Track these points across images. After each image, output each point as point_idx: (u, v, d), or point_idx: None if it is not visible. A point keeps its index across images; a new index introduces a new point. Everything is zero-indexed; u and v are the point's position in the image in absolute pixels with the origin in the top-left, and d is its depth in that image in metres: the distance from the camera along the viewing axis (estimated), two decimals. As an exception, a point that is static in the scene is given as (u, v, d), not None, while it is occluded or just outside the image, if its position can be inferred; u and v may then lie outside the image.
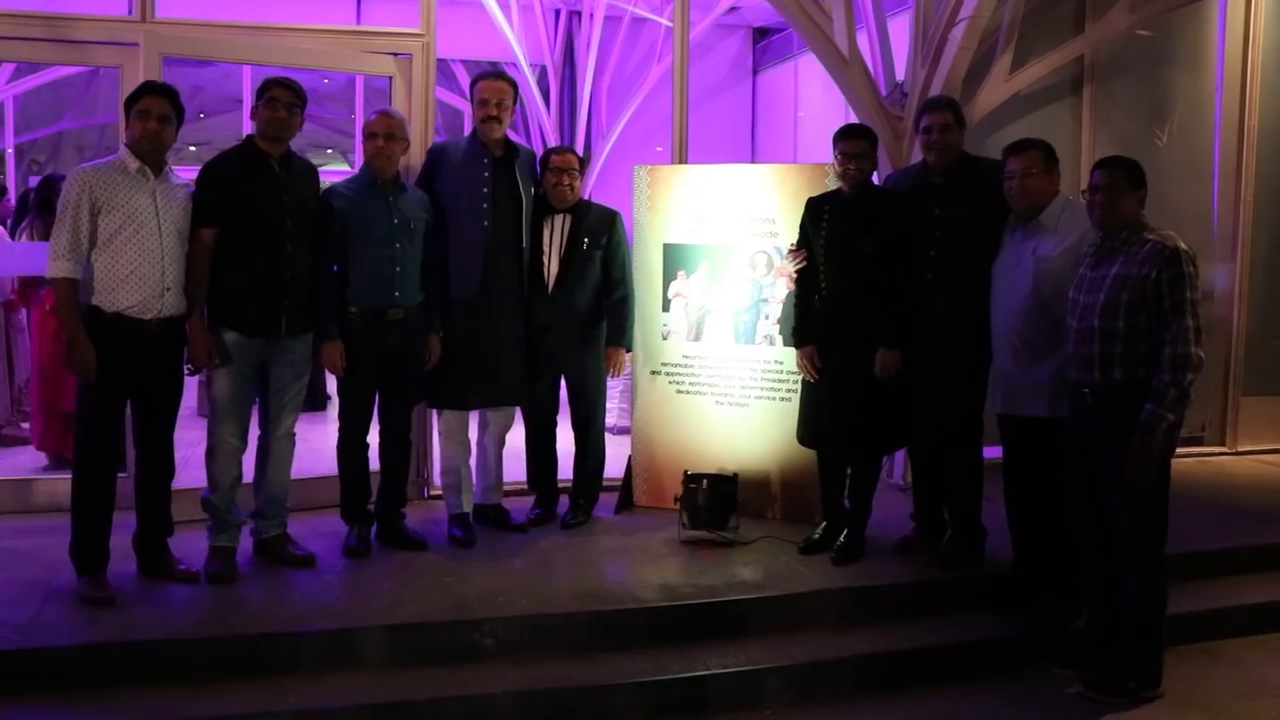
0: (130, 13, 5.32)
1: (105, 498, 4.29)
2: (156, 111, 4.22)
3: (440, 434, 5.22)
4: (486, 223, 4.98)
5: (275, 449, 4.69)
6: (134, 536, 4.48)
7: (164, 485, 4.50)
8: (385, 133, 4.75)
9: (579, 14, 10.53)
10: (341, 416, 4.91)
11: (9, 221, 7.05)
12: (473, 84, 5.10)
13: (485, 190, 4.99)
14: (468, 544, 4.98)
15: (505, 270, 5.05)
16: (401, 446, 5.01)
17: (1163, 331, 3.89)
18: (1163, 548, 4.08)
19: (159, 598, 4.26)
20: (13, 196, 7.86)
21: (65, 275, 4.12)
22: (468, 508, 5.18)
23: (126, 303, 4.19)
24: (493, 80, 5.06)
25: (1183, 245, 3.94)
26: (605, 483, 5.57)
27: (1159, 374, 3.88)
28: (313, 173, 4.75)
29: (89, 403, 4.23)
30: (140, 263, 4.19)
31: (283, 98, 4.49)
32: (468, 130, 5.72)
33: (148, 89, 4.30)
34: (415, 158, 5.37)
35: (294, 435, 4.76)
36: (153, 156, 4.27)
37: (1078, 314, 4.08)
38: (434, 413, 5.37)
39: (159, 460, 4.46)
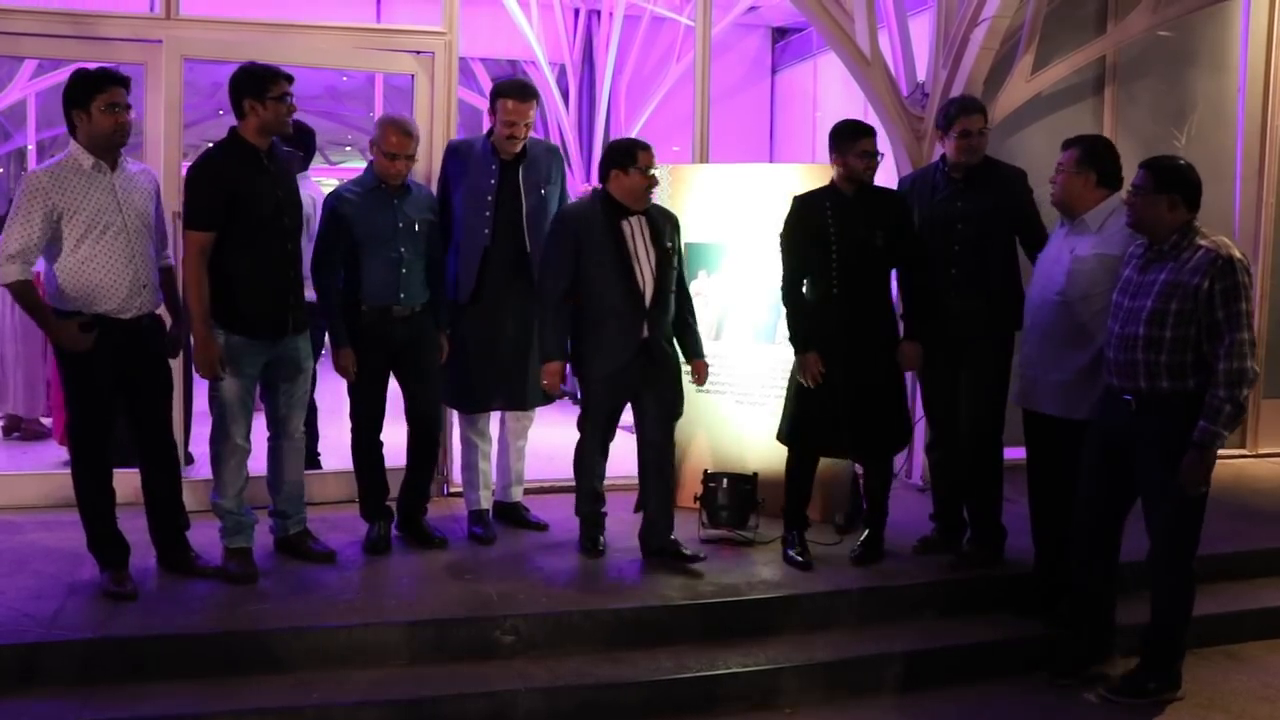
0: (154, 10, 5.35)
1: (104, 493, 4.25)
2: (124, 102, 4.07)
3: (460, 431, 5.22)
4: (488, 230, 4.91)
5: (287, 450, 4.63)
6: (151, 529, 4.47)
7: (172, 478, 4.44)
8: (404, 154, 4.65)
9: (598, 12, 10.53)
10: (352, 415, 4.90)
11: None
12: (497, 95, 4.88)
13: (489, 198, 4.91)
14: (487, 541, 4.99)
15: (509, 274, 4.95)
16: (427, 444, 4.98)
17: (1213, 343, 3.77)
18: (1192, 559, 4.05)
19: (180, 592, 4.28)
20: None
21: (19, 279, 4.01)
22: (487, 505, 5.18)
23: (105, 307, 4.09)
24: (523, 102, 4.82)
25: (1237, 253, 3.80)
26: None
27: (1214, 390, 3.75)
28: (292, 160, 4.59)
29: (76, 403, 4.17)
30: (111, 265, 4.08)
31: (291, 90, 4.32)
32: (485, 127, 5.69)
33: (111, 79, 4.06)
34: (435, 160, 5.36)
35: (303, 434, 4.71)
36: (112, 152, 4.12)
37: (1121, 318, 3.94)
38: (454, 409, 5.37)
39: (161, 453, 4.40)
